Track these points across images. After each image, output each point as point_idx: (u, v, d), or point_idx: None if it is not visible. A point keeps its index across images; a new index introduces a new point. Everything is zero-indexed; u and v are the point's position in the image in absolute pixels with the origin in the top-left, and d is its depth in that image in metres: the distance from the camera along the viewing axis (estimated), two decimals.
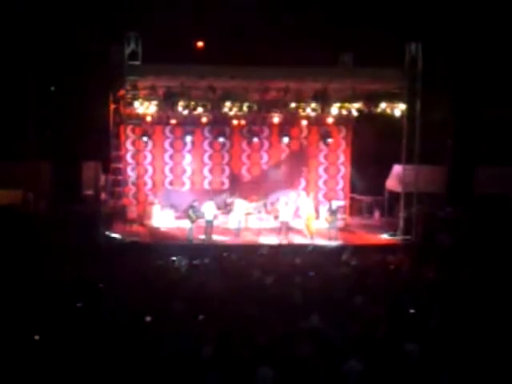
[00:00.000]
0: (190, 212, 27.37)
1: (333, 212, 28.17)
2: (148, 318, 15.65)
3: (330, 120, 29.90)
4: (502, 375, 12.89)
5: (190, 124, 31.02)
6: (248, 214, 29.22)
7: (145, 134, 30.49)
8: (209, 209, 27.71)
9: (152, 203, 31.22)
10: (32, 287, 18.11)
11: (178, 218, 30.63)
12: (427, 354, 13.39)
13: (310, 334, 14.35)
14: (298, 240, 27.80)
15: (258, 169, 32.88)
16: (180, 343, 13.65)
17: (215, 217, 28.19)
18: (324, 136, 31.84)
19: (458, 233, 26.71)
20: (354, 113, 28.20)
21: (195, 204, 27.69)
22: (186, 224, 28.23)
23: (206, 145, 32.36)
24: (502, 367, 13.05)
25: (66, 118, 29.43)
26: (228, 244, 27.07)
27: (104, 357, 13.04)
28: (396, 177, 31.08)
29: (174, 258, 22.97)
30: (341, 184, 33.28)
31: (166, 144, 32.19)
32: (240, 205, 29.11)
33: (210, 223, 27.65)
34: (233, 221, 28.99)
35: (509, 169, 31.81)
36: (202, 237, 27.39)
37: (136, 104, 26.85)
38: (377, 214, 32.74)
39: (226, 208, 29.73)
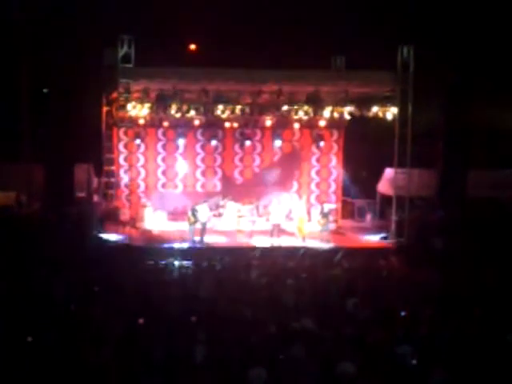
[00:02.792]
0: (190, 214, 27.41)
1: (325, 215, 28.24)
2: (141, 320, 15.67)
3: (322, 123, 30.03)
4: (495, 377, 12.94)
5: (182, 127, 31.04)
6: (240, 216, 29.28)
7: (137, 136, 30.47)
8: (202, 211, 27.77)
9: (144, 206, 31.25)
10: (25, 289, 18.08)
11: (170, 220, 30.69)
12: (420, 357, 13.43)
13: (302, 335, 14.39)
14: (290, 242, 27.84)
15: (250, 171, 32.93)
16: (173, 345, 13.67)
17: (208, 219, 28.30)
18: (316, 139, 31.93)
19: (450, 236, 26.75)
20: (347, 116, 28.29)
21: (196, 207, 27.71)
22: (178, 226, 28.30)
23: (198, 147, 32.39)
24: (496, 370, 13.09)
25: (58, 120, 29.38)
26: (221, 246, 27.11)
27: (97, 359, 13.05)
28: (388, 180, 31.18)
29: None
30: (333, 187, 33.36)
31: (159, 146, 32.20)
32: (232, 207, 29.19)
33: (203, 225, 27.72)
34: (225, 223, 29.08)
35: (500, 172, 31.92)
36: (196, 238, 27.47)
37: (129, 107, 26.85)
38: (369, 217, 32.79)
39: (218, 210, 29.77)
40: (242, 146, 32.20)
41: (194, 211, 27.43)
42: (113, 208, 30.36)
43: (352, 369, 12.64)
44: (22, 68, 30.34)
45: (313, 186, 33.32)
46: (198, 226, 27.49)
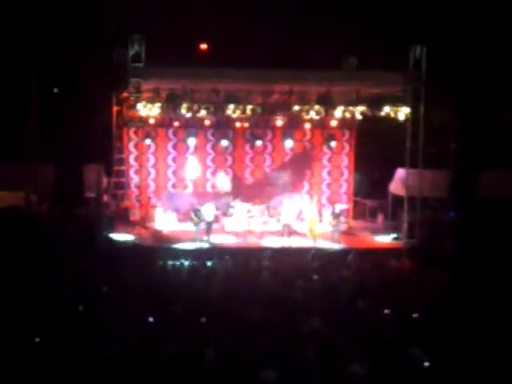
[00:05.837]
0: (193, 215, 27.42)
1: (336, 215, 28.12)
2: (151, 321, 15.62)
3: (333, 123, 29.85)
4: (506, 378, 12.85)
5: (193, 126, 31.01)
6: (251, 216, 29.18)
7: (148, 136, 30.47)
8: (208, 210, 27.75)
9: (155, 206, 31.20)
10: (34, 289, 18.07)
11: (180, 220, 30.61)
12: (431, 358, 13.33)
13: (312, 336, 14.31)
14: (301, 243, 27.73)
15: (261, 172, 32.82)
16: (182, 345, 13.60)
17: (215, 218, 28.27)
18: (327, 139, 31.81)
19: (462, 237, 26.62)
20: (358, 116, 28.13)
21: (198, 207, 27.71)
22: (188, 227, 28.25)
23: (208, 147, 32.33)
24: (506, 371, 13.00)
25: (68, 120, 29.40)
26: (231, 247, 27.04)
27: (105, 360, 13.00)
28: (399, 180, 31.02)
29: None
30: (344, 187, 33.24)
31: (169, 146, 32.17)
32: (243, 208, 29.12)
33: (209, 225, 27.69)
34: (236, 224, 29.03)
35: None
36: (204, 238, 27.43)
37: (139, 106, 26.76)
38: (380, 217, 32.62)
39: (228, 211, 29.70)
40: (252, 146, 32.12)
41: (196, 211, 27.48)
42: (123, 208, 30.33)
43: (363, 370, 12.59)
44: (32, 67, 30.29)
45: (324, 187, 33.19)
46: (204, 225, 27.55)
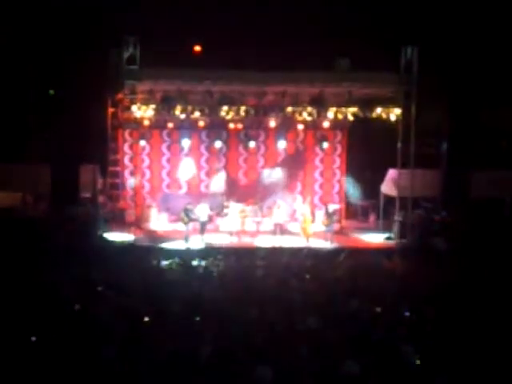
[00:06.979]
0: (182, 215, 27.61)
1: (330, 215, 28.30)
2: (146, 320, 15.75)
3: (326, 124, 29.99)
4: (499, 378, 13.00)
5: (187, 128, 31.15)
6: (244, 216, 29.36)
7: (142, 137, 30.61)
8: (202, 210, 27.95)
9: (149, 206, 31.38)
10: (30, 289, 18.17)
11: (172, 221, 30.80)
12: (423, 357, 13.49)
13: (306, 335, 14.46)
14: (294, 243, 27.92)
15: (254, 172, 33.01)
16: (178, 344, 13.74)
17: (210, 218, 28.45)
18: (320, 140, 31.97)
19: (454, 236, 26.80)
20: (350, 117, 28.32)
21: (188, 207, 27.88)
22: (180, 226, 28.45)
23: (202, 148, 32.50)
24: (499, 370, 13.15)
25: (64, 121, 29.44)
26: (225, 246, 27.23)
27: (101, 359, 13.13)
28: (391, 181, 31.17)
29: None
30: (336, 188, 33.44)
31: (164, 148, 32.34)
32: (236, 208, 29.30)
33: (203, 224, 27.89)
34: (230, 224, 29.20)
35: (504, 173, 31.88)
36: (196, 238, 27.64)
37: (134, 108, 26.96)
38: (372, 217, 32.85)
39: (222, 211, 29.87)
40: (246, 147, 32.21)
41: (186, 211, 27.66)
42: (118, 209, 30.49)
43: (356, 368, 12.71)
44: (29, 69, 30.43)
45: (316, 187, 33.38)
46: (197, 225, 27.79)
